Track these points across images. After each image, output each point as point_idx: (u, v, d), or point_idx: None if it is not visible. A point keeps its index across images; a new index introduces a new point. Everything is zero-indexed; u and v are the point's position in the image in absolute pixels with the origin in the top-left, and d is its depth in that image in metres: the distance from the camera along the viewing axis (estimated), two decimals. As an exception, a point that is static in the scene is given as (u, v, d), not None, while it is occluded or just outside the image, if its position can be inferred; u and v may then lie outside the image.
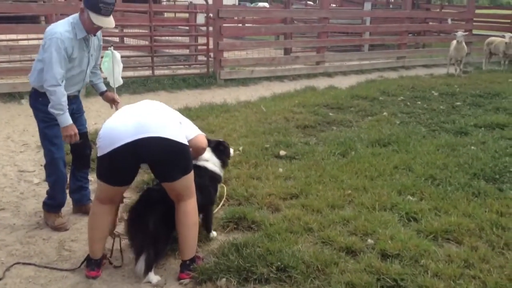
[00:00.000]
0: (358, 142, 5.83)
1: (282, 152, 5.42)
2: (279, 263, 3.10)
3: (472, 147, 5.68)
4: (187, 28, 12.68)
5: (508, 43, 12.54)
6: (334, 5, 19.79)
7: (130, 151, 2.89)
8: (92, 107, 7.10)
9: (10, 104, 7.65)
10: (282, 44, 14.45)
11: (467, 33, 13.63)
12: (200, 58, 11.32)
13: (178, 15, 17.66)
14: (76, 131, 3.60)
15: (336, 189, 4.39)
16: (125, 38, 13.02)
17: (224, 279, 3.02)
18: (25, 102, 7.46)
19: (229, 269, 3.07)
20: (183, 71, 10.50)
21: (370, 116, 7.39)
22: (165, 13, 18.49)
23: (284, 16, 14.62)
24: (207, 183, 3.49)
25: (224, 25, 10.58)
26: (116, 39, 12.47)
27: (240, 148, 5.42)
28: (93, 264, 3.18)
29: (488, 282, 2.99)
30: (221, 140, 3.84)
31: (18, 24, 9.17)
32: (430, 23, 18.16)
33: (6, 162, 5.25)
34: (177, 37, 13.19)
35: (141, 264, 3.08)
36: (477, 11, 18.55)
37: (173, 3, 22.00)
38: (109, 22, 3.53)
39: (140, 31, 12.83)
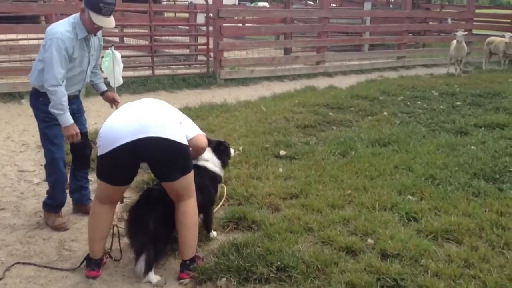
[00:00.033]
0: (358, 142, 5.83)
1: (282, 152, 5.43)
2: (279, 263, 3.10)
3: (472, 147, 5.68)
4: (187, 28, 12.68)
5: (508, 42, 12.54)
6: (334, 5, 19.79)
7: (130, 151, 2.89)
8: (92, 107, 7.10)
9: (10, 104, 7.65)
10: (282, 44, 14.45)
11: (467, 32, 13.63)
12: (200, 58, 11.32)
13: (178, 15, 17.66)
14: (78, 130, 3.61)
15: (336, 189, 4.39)
16: (125, 38, 13.02)
17: (224, 279, 3.02)
18: (25, 102, 7.47)
19: (229, 269, 3.07)
20: (183, 71, 10.50)
21: (370, 116, 7.39)
22: (165, 13, 18.50)
23: (284, 16, 14.63)
24: (207, 183, 3.49)
25: (224, 25, 10.58)
26: (116, 39, 12.46)
27: (240, 148, 5.42)
28: (93, 264, 3.18)
29: (488, 281, 2.99)
30: (221, 140, 3.84)
31: (18, 24, 9.18)
32: (430, 22, 18.15)
33: (6, 162, 5.25)
34: (177, 37, 13.19)
35: (141, 264, 3.08)
36: (477, 10, 18.56)
37: (173, 3, 22.00)
38: (110, 22, 3.53)
39: (140, 31, 12.83)
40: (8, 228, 3.83)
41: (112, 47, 4.13)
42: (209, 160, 3.56)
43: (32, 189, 4.60)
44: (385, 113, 7.50)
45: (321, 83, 10.67)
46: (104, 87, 4.10)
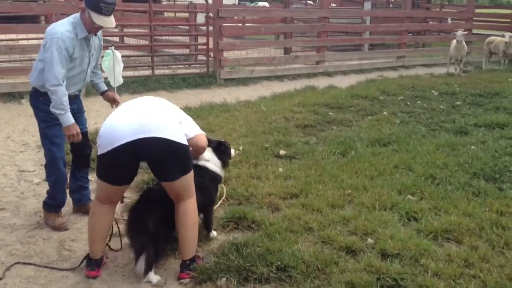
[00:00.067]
0: (358, 142, 5.83)
1: (282, 152, 5.43)
2: (279, 262, 3.10)
3: (472, 147, 5.68)
4: (187, 27, 12.67)
5: (508, 42, 12.54)
6: (334, 5, 19.78)
7: (130, 151, 2.89)
8: (92, 106, 7.10)
9: (10, 104, 7.65)
10: (282, 44, 14.45)
11: (467, 32, 13.63)
12: (200, 57, 11.31)
13: (178, 14, 17.66)
14: (79, 130, 3.62)
15: (336, 189, 4.39)
16: (125, 38, 13.02)
17: (224, 279, 3.02)
18: (25, 102, 7.47)
19: (229, 269, 3.07)
20: (183, 71, 10.50)
21: (370, 116, 7.39)
22: (165, 13, 18.49)
23: (284, 16, 14.62)
24: (207, 183, 3.49)
25: (224, 24, 10.58)
26: (116, 39, 12.46)
27: (240, 148, 5.42)
28: (93, 264, 3.18)
29: (488, 281, 2.99)
30: (222, 140, 3.84)
31: (18, 24, 9.18)
32: (430, 22, 18.14)
33: (6, 162, 5.25)
34: (177, 37, 13.18)
35: (141, 264, 3.08)
36: (477, 10, 18.55)
37: (173, 2, 21.99)
38: (110, 21, 3.53)
39: (140, 30, 12.83)
40: (8, 228, 3.83)
41: (113, 47, 4.13)
42: (210, 160, 3.56)
43: (32, 189, 4.60)
44: (385, 112, 7.50)
45: (321, 82, 10.67)
46: (104, 87, 4.10)
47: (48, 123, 3.67)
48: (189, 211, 3.09)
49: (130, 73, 9.30)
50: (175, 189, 3.04)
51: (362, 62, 13.22)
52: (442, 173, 4.80)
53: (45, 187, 4.06)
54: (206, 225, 3.61)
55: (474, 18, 16.28)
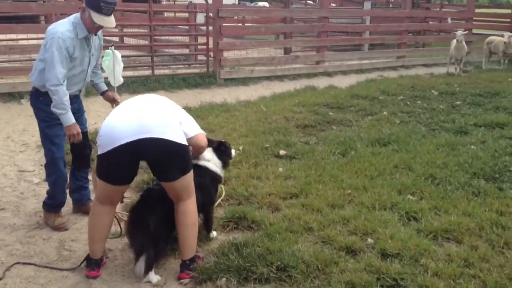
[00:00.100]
0: (358, 142, 5.83)
1: (282, 152, 5.43)
2: (279, 262, 3.10)
3: (472, 146, 5.68)
4: (187, 27, 12.67)
5: (507, 42, 12.55)
6: (334, 5, 19.78)
7: (130, 151, 2.89)
8: (92, 106, 7.10)
9: (10, 104, 7.64)
10: (282, 44, 14.45)
11: (467, 32, 13.63)
12: (200, 57, 11.31)
13: (178, 14, 17.66)
14: (79, 130, 3.62)
15: (336, 189, 4.39)
16: (125, 38, 13.01)
17: (224, 279, 3.02)
18: (25, 102, 7.47)
19: (229, 269, 3.07)
20: (183, 71, 10.49)
21: (370, 116, 7.39)
22: (165, 13, 18.49)
23: (284, 16, 14.61)
24: (207, 183, 3.49)
25: (224, 24, 10.57)
26: (116, 39, 12.46)
27: (240, 148, 5.42)
28: (93, 264, 3.18)
29: (488, 281, 2.99)
30: (222, 140, 3.84)
31: (18, 24, 9.17)
32: (430, 22, 18.15)
33: (6, 162, 5.25)
34: (177, 37, 13.18)
35: (141, 264, 3.08)
36: (477, 10, 18.57)
37: (173, 2, 22.00)
38: (110, 21, 3.54)
39: (140, 30, 12.82)
40: (8, 228, 3.83)
41: (113, 47, 4.13)
42: (210, 160, 3.56)
43: (32, 189, 4.60)
44: (385, 112, 7.50)
45: (321, 82, 10.67)
46: (104, 87, 4.10)
47: (48, 123, 3.67)
48: (189, 211, 3.09)
49: (130, 73, 9.30)
50: (175, 189, 3.04)
51: (362, 62, 13.21)
52: (442, 173, 4.80)
53: (45, 187, 4.06)
54: (206, 225, 3.61)
55: (474, 18, 16.28)
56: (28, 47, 8.66)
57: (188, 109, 7.23)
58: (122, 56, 4.25)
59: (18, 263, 3.31)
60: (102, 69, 4.14)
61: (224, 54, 10.73)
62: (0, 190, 4.53)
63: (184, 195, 3.06)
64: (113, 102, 4.08)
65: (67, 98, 3.49)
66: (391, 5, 21.47)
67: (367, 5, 15.84)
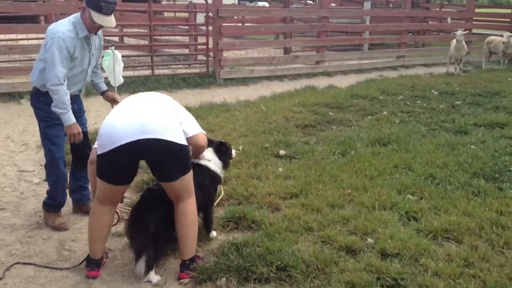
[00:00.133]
0: (358, 142, 5.83)
1: (282, 152, 5.43)
2: (279, 262, 3.10)
3: (472, 146, 5.68)
4: (186, 27, 12.67)
5: (506, 42, 12.56)
6: (333, 4, 19.77)
7: (130, 151, 2.90)
8: (91, 106, 7.10)
9: (10, 104, 7.65)
10: (281, 44, 14.45)
11: (466, 32, 13.63)
12: (199, 57, 11.31)
13: (177, 14, 17.66)
14: (80, 129, 3.63)
15: (336, 189, 4.39)
16: (124, 38, 13.01)
17: (224, 279, 3.02)
18: (25, 102, 7.47)
19: (229, 269, 3.07)
20: (183, 71, 10.49)
21: (370, 115, 7.40)
22: (165, 13, 18.49)
23: (284, 16, 14.61)
24: (207, 183, 3.49)
25: (224, 24, 10.57)
26: (116, 39, 12.46)
27: (240, 148, 5.42)
28: (93, 264, 3.18)
29: (488, 281, 2.99)
30: (223, 141, 3.84)
31: (17, 24, 9.17)
32: (430, 22, 18.15)
33: (6, 162, 5.25)
34: (176, 37, 13.18)
35: (142, 264, 3.08)
36: (477, 10, 18.57)
37: (173, 2, 22.01)
38: (110, 21, 3.54)
39: (140, 30, 12.82)
40: (8, 228, 3.83)
41: (113, 47, 4.14)
42: (211, 160, 3.56)
43: (32, 189, 4.60)
44: (385, 112, 7.50)
45: (321, 82, 10.67)
46: (104, 87, 4.10)
47: (48, 123, 3.67)
48: (188, 211, 3.09)
49: (129, 73, 9.30)
50: (174, 189, 3.04)
51: (362, 62, 13.22)
52: (442, 172, 4.80)
53: (45, 187, 4.06)
54: (206, 225, 3.61)
55: (474, 18, 16.28)
56: (28, 47, 8.66)
57: (188, 109, 7.11)
58: (122, 56, 4.26)
59: (18, 263, 3.31)
60: (102, 69, 4.14)
61: (224, 54, 10.73)
62: (0, 190, 4.53)
63: (184, 195, 3.06)
64: (113, 102, 4.09)
65: (67, 97, 3.49)
66: (391, 5, 21.46)
67: (367, 5, 15.84)
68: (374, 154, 5.34)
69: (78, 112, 3.86)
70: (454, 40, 11.78)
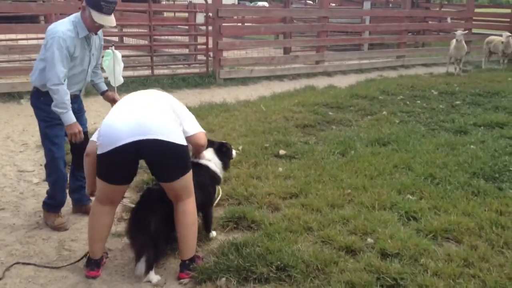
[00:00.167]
0: (358, 141, 5.83)
1: (281, 152, 5.43)
2: (278, 262, 3.10)
3: (472, 146, 5.68)
4: (186, 27, 12.67)
5: (505, 42, 12.57)
6: (333, 4, 19.78)
7: (129, 151, 2.89)
8: (91, 106, 7.10)
9: (10, 104, 7.65)
10: (281, 44, 14.45)
11: (466, 32, 13.64)
12: (199, 57, 11.32)
13: (177, 14, 17.66)
14: (81, 129, 3.63)
15: (335, 189, 4.39)
16: (124, 38, 13.01)
17: (223, 279, 3.02)
18: (25, 102, 7.47)
19: (228, 269, 3.07)
20: (183, 71, 10.50)
21: (369, 115, 7.40)
22: (165, 13, 18.49)
23: (284, 15, 14.62)
24: (207, 182, 3.49)
25: (224, 24, 10.58)
26: (116, 39, 12.45)
27: (240, 148, 5.42)
28: (93, 264, 3.18)
29: (488, 281, 2.99)
30: (224, 142, 3.85)
31: (17, 24, 9.17)
32: (430, 22, 18.15)
33: (6, 162, 5.25)
34: (176, 37, 13.18)
35: (142, 264, 3.08)
36: (477, 10, 18.58)
37: (173, 2, 22.00)
38: (111, 20, 3.54)
39: (140, 30, 12.82)
40: (8, 228, 3.83)
41: (113, 47, 4.14)
42: (211, 160, 3.57)
43: (31, 189, 4.60)
44: (384, 112, 7.50)
45: (321, 82, 10.67)
46: (104, 87, 4.10)
47: (48, 123, 3.67)
48: (188, 211, 3.09)
49: (129, 73, 9.30)
50: (174, 189, 3.04)
51: (361, 61, 13.22)
52: (441, 172, 4.80)
53: (45, 187, 4.06)
54: (205, 225, 3.61)
55: (474, 18, 16.28)
56: (27, 47, 8.67)
57: (187, 109, 7.24)
58: (122, 56, 4.26)
59: (17, 263, 3.31)
60: (102, 69, 4.14)
61: (224, 54, 10.73)
62: (-1, 190, 4.53)
63: (184, 195, 3.06)
64: (113, 102, 4.08)
65: (68, 97, 3.49)
66: (390, 5, 21.47)
67: (367, 5, 15.85)
68: (373, 154, 5.34)
69: (78, 112, 3.86)
70: (454, 40, 11.78)
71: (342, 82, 10.82)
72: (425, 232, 3.64)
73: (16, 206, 4.23)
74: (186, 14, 13.02)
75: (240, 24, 15.81)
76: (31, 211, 4.12)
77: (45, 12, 11.64)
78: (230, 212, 3.89)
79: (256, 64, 11.20)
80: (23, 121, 6.72)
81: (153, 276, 3.10)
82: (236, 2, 32.42)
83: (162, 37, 12.69)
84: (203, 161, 3.51)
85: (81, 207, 4.10)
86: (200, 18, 11.68)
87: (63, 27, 3.50)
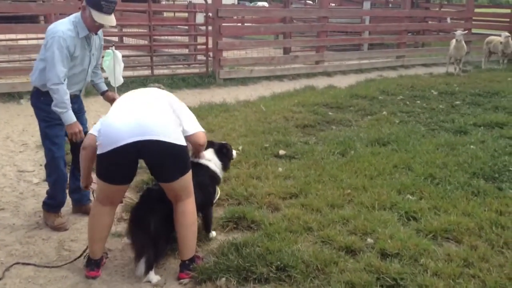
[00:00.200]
0: (358, 142, 5.83)
1: (281, 152, 5.43)
2: (278, 262, 3.10)
3: (472, 146, 5.68)
4: (186, 27, 12.67)
5: (504, 42, 12.57)
6: (333, 4, 19.77)
7: (129, 151, 2.89)
8: (91, 106, 7.10)
9: (9, 104, 7.65)
10: (281, 44, 14.44)
11: (466, 32, 13.64)
12: (199, 57, 11.31)
13: (177, 14, 17.65)
14: (81, 128, 3.64)
15: (335, 189, 4.39)
16: (124, 38, 13.01)
17: (223, 279, 3.02)
18: (24, 102, 7.48)
19: (228, 269, 3.07)
20: (183, 71, 10.49)
21: (369, 115, 7.40)
22: (165, 13, 18.49)
23: (283, 16, 14.61)
24: (207, 182, 3.49)
25: (223, 24, 10.58)
26: (115, 39, 12.45)
27: (240, 148, 5.42)
28: (92, 264, 3.18)
29: (488, 281, 2.99)
30: (224, 142, 3.85)
31: (17, 24, 9.17)
32: (430, 22, 18.15)
33: (6, 162, 5.25)
34: (176, 37, 13.18)
35: (142, 264, 3.08)
36: (476, 10, 18.58)
37: (172, 2, 21.99)
38: (111, 20, 3.54)
39: (139, 30, 12.82)
40: (8, 228, 3.82)
41: (113, 47, 4.14)
42: (211, 160, 3.57)
43: (31, 189, 4.60)
44: (384, 112, 7.50)
45: (321, 82, 10.67)
46: (104, 87, 4.10)
47: (48, 123, 3.67)
48: (188, 211, 3.09)
49: (129, 73, 9.29)
50: (174, 190, 3.04)
51: (361, 62, 13.22)
52: (441, 172, 4.80)
53: (45, 187, 4.06)
54: (205, 225, 3.61)
55: (474, 18, 16.29)
56: (27, 47, 8.66)
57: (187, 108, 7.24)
58: (122, 56, 4.26)
59: (17, 263, 3.31)
60: (102, 69, 4.14)
61: (224, 54, 10.73)
62: (-1, 190, 4.53)
63: (183, 195, 3.06)
64: (113, 102, 4.07)
65: (67, 96, 3.50)
66: (390, 5, 21.47)
67: (367, 5, 15.85)
68: (373, 154, 5.34)
69: (79, 112, 3.86)
70: (454, 40, 11.79)
71: (342, 82, 10.83)
72: (425, 232, 3.64)
73: (16, 206, 4.23)
74: (186, 14, 13.01)
75: (240, 24, 15.81)
76: (31, 211, 4.12)
77: (45, 12, 11.64)
78: (230, 212, 3.89)
79: (256, 64, 11.20)
80: (23, 121, 6.72)
81: (153, 276, 3.10)
82: (236, 2, 32.42)
83: (162, 37, 12.68)
84: (203, 161, 3.51)
85: (81, 207, 4.10)
86: (200, 18, 11.68)
87: (63, 26, 3.50)
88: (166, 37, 12.79)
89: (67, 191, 3.99)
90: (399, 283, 2.97)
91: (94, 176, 3.25)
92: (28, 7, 9.64)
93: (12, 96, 7.82)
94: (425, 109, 7.79)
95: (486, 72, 12.49)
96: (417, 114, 7.50)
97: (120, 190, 3.17)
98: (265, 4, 28.22)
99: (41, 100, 3.63)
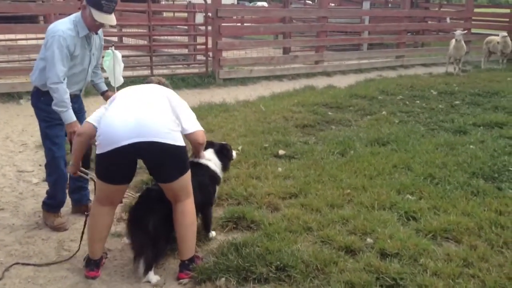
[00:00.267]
0: (357, 141, 5.83)
1: (281, 152, 5.43)
2: (278, 262, 3.10)
3: (471, 146, 5.68)
4: (186, 27, 12.67)
5: (501, 42, 12.58)
6: (333, 4, 19.76)
7: (129, 152, 2.89)
8: (91, 106, 7.02)
9: (9, 104, 7.65)
10: (281, 44, 14.44)
11: (466, 31, 13.64)
12: (199, 57, 11.31)
13: (177, 14, 17.66)
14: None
15: (335, 189, 4.39)
16: (123, 38, 13.00)
17: (223, 279, 3.02)
18: (24, 102, 7.48)
19: (228, 269, 3.07)
20: (182, 71, 10.49)
21: (369, 115, 7.40)
22: (164, 13, 18.48)
23: (283, 15, 14.61)
24: (207, 182, 3.49)
25: (223, 24, 10.58)
26: (115, 39, 12.45)
27: (239, 148, 5.42)
28: (92, 264, 3.18)
29: (487, 281, 2.99)
30: (224, 143, 3.85)
31: (16, 24, 9.17)
32: (429, 22, 18.15)
33: (5, 162, 5.25)
34: (176, 37, 13.17)
35: (141, 264, 3.08)
36: (476, 10, 18.56)
37: (172, 2, 21.97)
38: (111, 19, 3.54)
39: (139, 30, 12.82)
40: (7, 228, 3.82)
41: (113, 47, 4.14)
42: (211, 160, 3.57)
43: (31, 189, 4.60)
44: (384, 112, 7.50)
45: (320, 82, 10.67)
46: (104, 87, 4.10)
47: (49, 123, 3.67)
48: (187, 211, 3.09)
49: (129, 73, 9.28)
50: (173, 190, 3.04)
51: (361, 61, 13.22)
52: (441, 172, 4.80)
53: (44, 187, 4.06)
54: (205, 225, 3.61)
55: (473, 18, 16.28)
56: (27, 47, 8.66)
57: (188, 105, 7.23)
58: (121, 56, 4.26)
59: (17, 263, 3.31)
60: (102, 69, 4.14)
61: (223, 54, 10.73)
62: (-1, 190, 4.53)
63: (182, 195, 3.06)
64: (113, 101, 4.08)
65: (67, 96, 3.50)
66: (390, 5, 21.46)
67: (366, 5, 15.86)
68: (373, 154, 5.34)
69: (79, 112, 3.86)
70: (453, 40, 11.80)
71: (342, 82, 10.83)
72: (424, 232, 3.64)
73: (15, 206, 4.22)
74: (185, 14, 13.01)
75: (239, 24, 15.80)
76: (30, 211, 4.12)
77: (45, 12, 11.62)
78: (230, 212, 3.89)
79: (256, 64, 11.20)
80: (23, 121, 6.72)
81: (153, 276, 3.10)
82: (236, 2, 32.41)
83: (162, 37, 12.68)
84: (203, 161, 3.51)
85: (80, 207, 4.10)
86: (199, 18, 11.69)
87: (64, 26, 3.50)
88: (165, 37, 12.79)
89: (67, 191, 3.99)
90: (399, 283, 2.97)
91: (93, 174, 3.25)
92: (28, 7, 9.64)
93: (11, 96, 7.82)
94: (425, 109, 7.79)
95: (486, 72, 12.50)
96: (416, 114, 7.51)
97: (119, 190, 3.17)
98: (265, 4, 28.22)
99: (41, 100, 3.63)
